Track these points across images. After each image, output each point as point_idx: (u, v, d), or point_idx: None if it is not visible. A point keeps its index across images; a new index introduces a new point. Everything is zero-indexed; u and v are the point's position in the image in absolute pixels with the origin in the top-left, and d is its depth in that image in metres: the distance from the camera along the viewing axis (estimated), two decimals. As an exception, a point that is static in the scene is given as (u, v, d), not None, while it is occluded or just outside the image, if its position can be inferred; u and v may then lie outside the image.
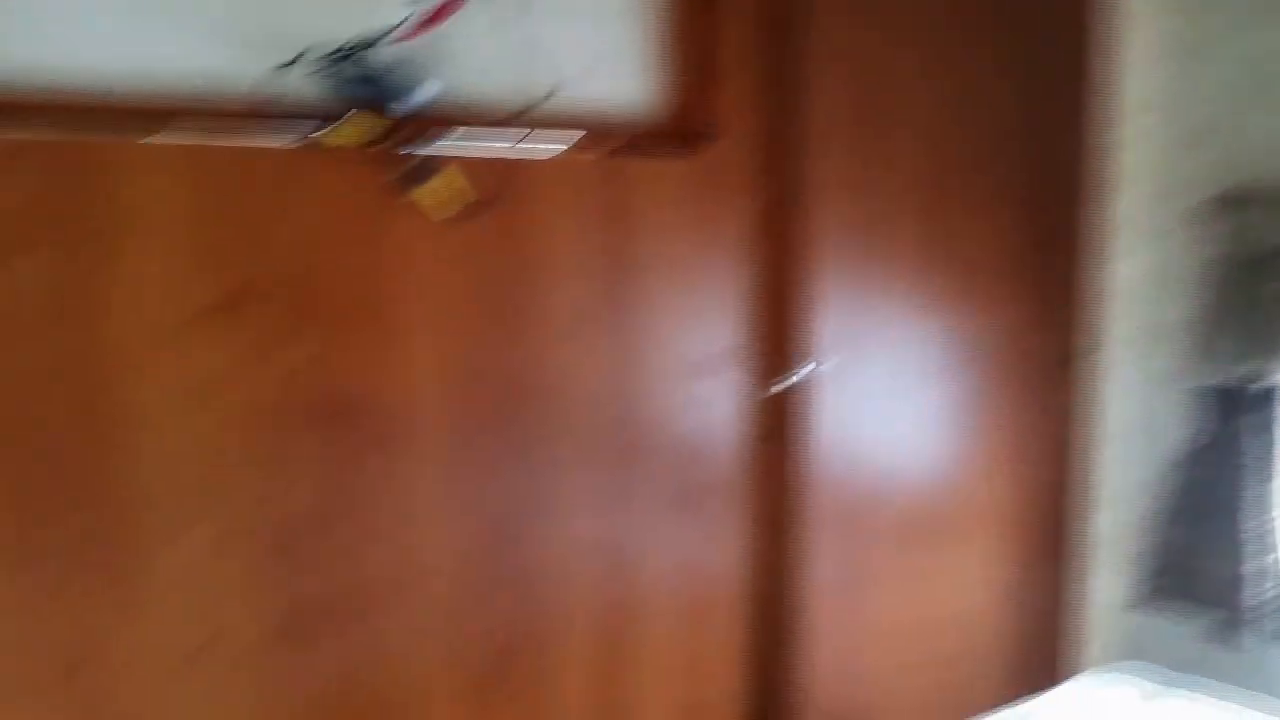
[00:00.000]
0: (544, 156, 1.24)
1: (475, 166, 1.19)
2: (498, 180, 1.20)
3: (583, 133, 1.28)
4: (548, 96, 1.22)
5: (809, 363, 1.44)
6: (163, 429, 1.08)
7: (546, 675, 1.32)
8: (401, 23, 1.12)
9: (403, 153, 1.13)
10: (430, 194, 1.16)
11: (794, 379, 1.43)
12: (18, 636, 1.04)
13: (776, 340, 1.45)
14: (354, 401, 1.17)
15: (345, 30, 1.12)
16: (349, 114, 1.11)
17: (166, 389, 1.08)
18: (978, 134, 1.56)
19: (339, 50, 1.09)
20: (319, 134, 1.09)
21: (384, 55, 1.12)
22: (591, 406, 1.31)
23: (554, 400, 1.29)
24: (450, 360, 1.21)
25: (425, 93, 1.16)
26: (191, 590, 1.11)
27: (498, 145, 1.21)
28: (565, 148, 1.27)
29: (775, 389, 1.43)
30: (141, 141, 1.03)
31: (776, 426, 1.46)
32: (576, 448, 1.31)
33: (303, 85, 1.11)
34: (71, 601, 1.06)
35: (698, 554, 1.43)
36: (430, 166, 1.15)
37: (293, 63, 1.08)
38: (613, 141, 1.31)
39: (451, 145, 1.18)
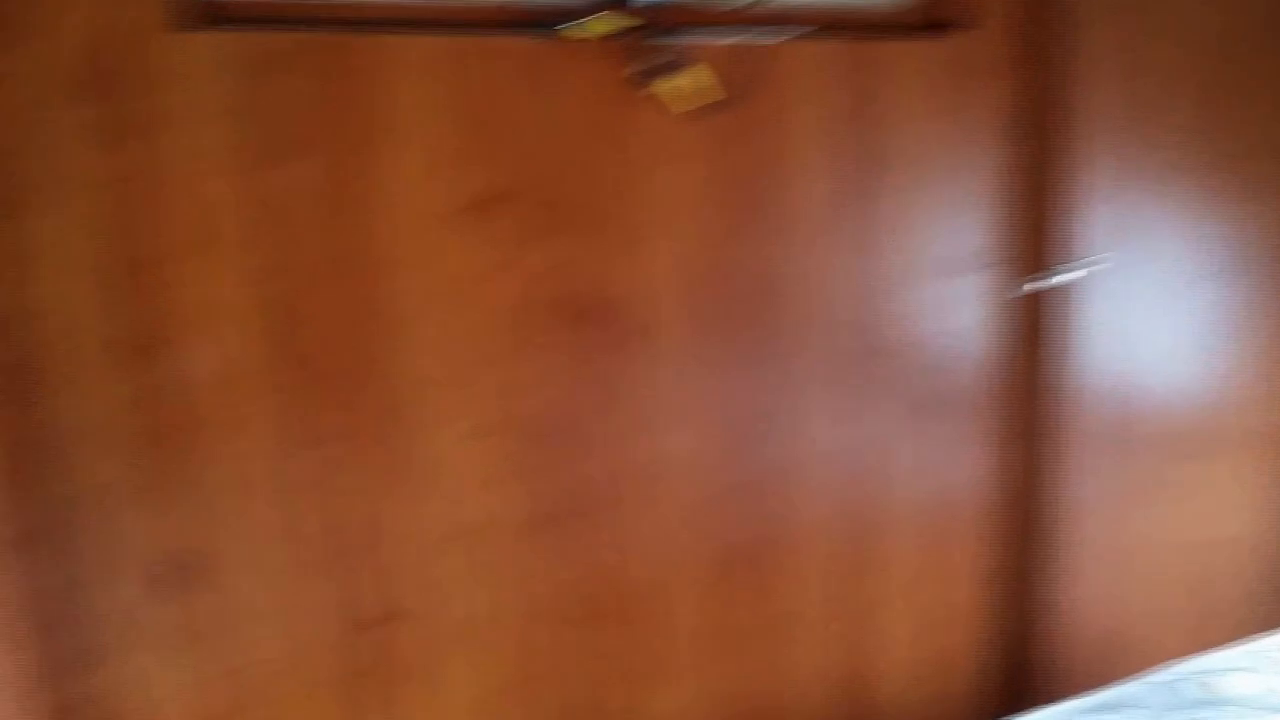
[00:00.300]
0: (788, 46, 1.21)
1: (718, 59, 1.17)
2: (741, 73, 1.18)
3: (829, 22, 1.23)
4: (789, -21, 1.19)
5: (1068, 263, 1.34)
6: (425, 323, 1.14)
7: (785, 579, 1.33)
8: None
9: (648, 47, 1.15)
10: (675, 88, 1.15)
11: (1051, 280, 1.33)
12: (298, 518, 1.13)
13: (1033, 238, 1.34)
14: (598, 300, 1.19)
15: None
16: (596, 9, 1.13)
17: (427, 285, 1.13)
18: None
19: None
20: (567, 28, 1.11)
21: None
22: (834, 307, 1.28)
23: (796, 301, 1.26)
24: (691, 259, 1.21)
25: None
26: (452, 477, 1.18)
27: (741, 37, 1.19)
28: (811, 36, 1.22)
29: (1031, 290, 1.35)
30: (393, 40, 1.06)
31: (1031, 331, 1.37)
32: (817, 350, 1.29)
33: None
34: (345, 486, 1.14)
35: (943, 464, 1.38)
36: (675, 61, 1.14)
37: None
38: (860, 30, 1.25)
39: (695, 39, 1.16)
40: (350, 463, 1.14)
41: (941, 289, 1.32)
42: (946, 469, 1.37)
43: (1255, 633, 1.33)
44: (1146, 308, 1.41)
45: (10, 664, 1.04)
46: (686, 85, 1.15)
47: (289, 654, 1.15)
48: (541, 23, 1.11)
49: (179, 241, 1.04)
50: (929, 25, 1.26)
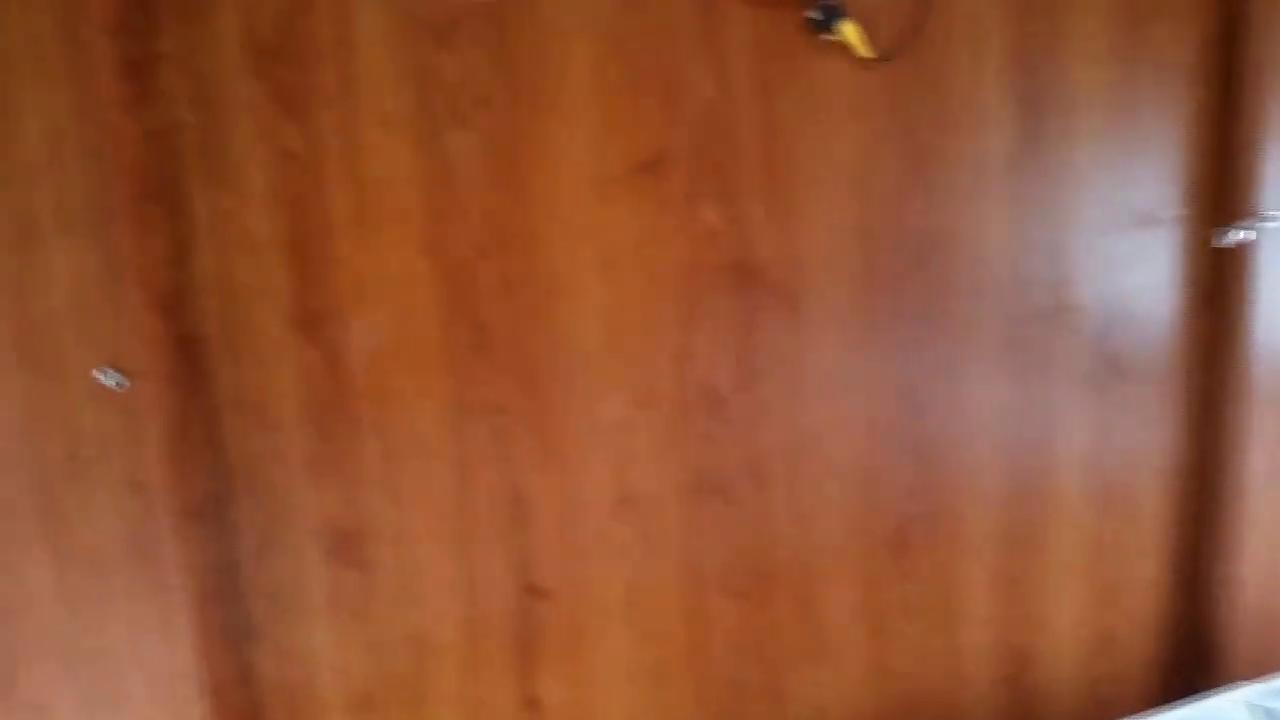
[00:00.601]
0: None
1: (885, 6, 1.11)
2: (908, 21, 1.13)
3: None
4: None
5: (1255, 217, 1.25)
6: (591, 290, 1.13)
7: (949, 554, 1.28)
8: None
9: (812, -5, 1.11)
10: (847, 33, 1.11)
11: (1241, 235, 1.24)
12: (466, 488, 1.14)
13: (1221, 191, 1.25)
14: (763, 264, 1.16)
15: None
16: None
17: (594, 251, 1.12)
18: None
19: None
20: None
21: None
22: (1005, 266, 1.22)
23: (966, 259, 1.20)
24: (860, 218, 1.17)
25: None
26: (616, 447, 1.16)
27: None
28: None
29: (1216, 246, 1.26)
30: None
31: (1217, 291, 1.28)
32: (988, 312, 1.23)
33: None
34: (511, 456, 1.14)
35: (1119, 432, 1.30)
36: (837, 6, 1.11)
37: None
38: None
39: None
40: (517, 432, 1.14)
41: (1119, 245, 1.24)
42: (1120, 439, 1.29)
43: None
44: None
45: (180, 632, 1.10)
46: (851, 30, 1.10)
47: (455, 624, 1.16)
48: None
49: (352, 212, 1.05)
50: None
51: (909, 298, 1.21)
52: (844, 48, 1.12)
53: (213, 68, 1.00)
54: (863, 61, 1.13)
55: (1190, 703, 1.19)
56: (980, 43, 1.16)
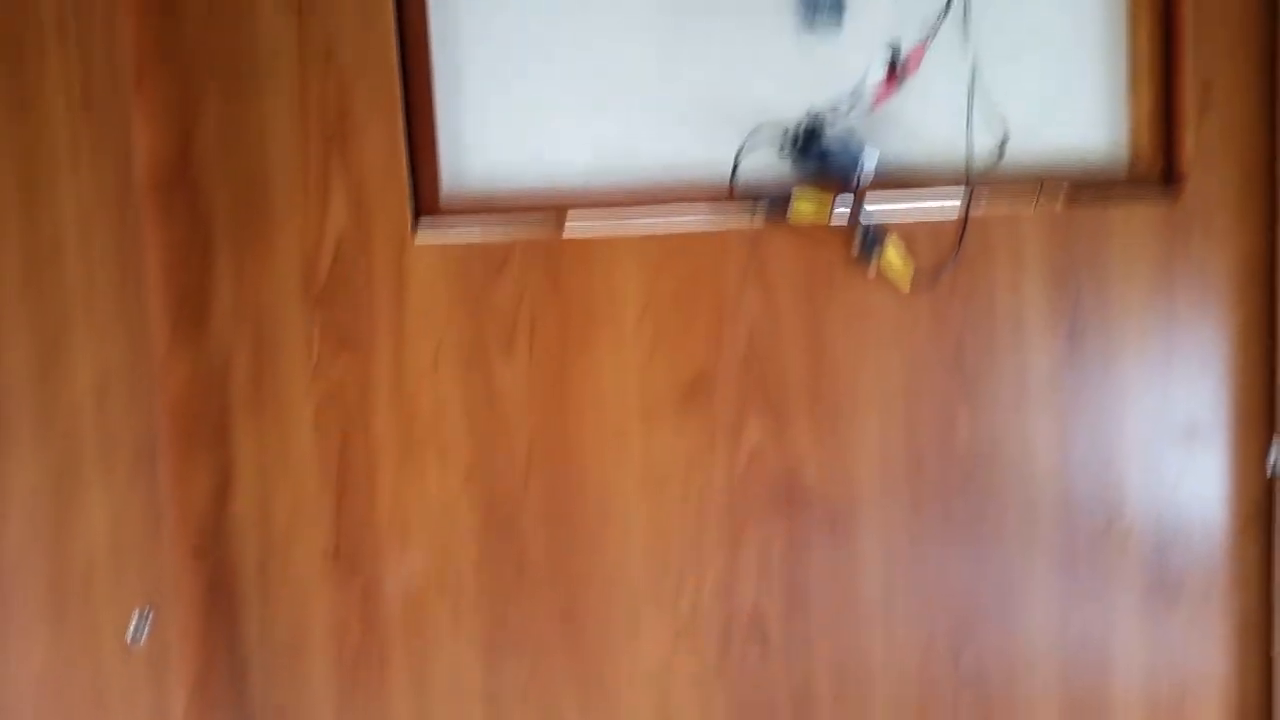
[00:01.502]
0: (999, 213, 1.17)
1: (925, 231, 1.14)
2: (949, 243, 1.15)
3: (1038, 184, 1.19)
4: (1000, 150, 1.16)
5: (1303, 431, 1.24)
6: (630, 516, 1.11)
7: None
8: (857, 97, 1.12)
9: (855, 223, 1.13)
10: (884, 264, 1.13)
11: (1288, 450, 1.23)
12: None
13: (1266, 408, 1.25)
14: (810, 484, 1.14)
15: (800, 108, 1.12)
16: (801, 189, 1.12)
17: (636, 477, 1.10)
18: None
19: (796, 128, 1.11)
20: (773, 211, 1.10)
21: (836, 129, 1.12)
22: (1052, 484, 1.19)
23: (1015, 477, 1.18)
24: (907, 436, 1.16)
25: (873, 161, 1.15)
26: (656, 683, 1.12)
27: (950, 205, 1.17)
28: (1020, 202, 1.20)
29: (1267, 462, 1.24)
30: (611, 230, 1.08)
31: (1266, 509, 1.27)
32: (1038, 531, 1.20)
33: (758, 164, 1.12)
34: (540, 690, 1.10)
35: (1174, 656, 1.25)
36: (881, 236, 1.13)
37: (748, 143, 1.11)
38: (1071, 190, 1.21)
39: (901, 210, 1.15)
40: (556, 669, 1.10)
41: (1168, 462, 1.22)
42: (1177, 663, 1.24)
43: None
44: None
45: None
46: (894, 258, 1.12)
47: None
48: (751, 200, 1.11)
49: (397, 442, 1.04)
50: (1145, 179, 1.20)
51: (958, 518, 1.19)
52: (888, 273, 1.14)
53: (268, 305, 1.01)
54: (906, 285, 1.14)
55: None
56: (1021, 263, 1.18)
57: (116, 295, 0.96)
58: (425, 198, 1.04)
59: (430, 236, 1.03)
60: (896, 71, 1.09)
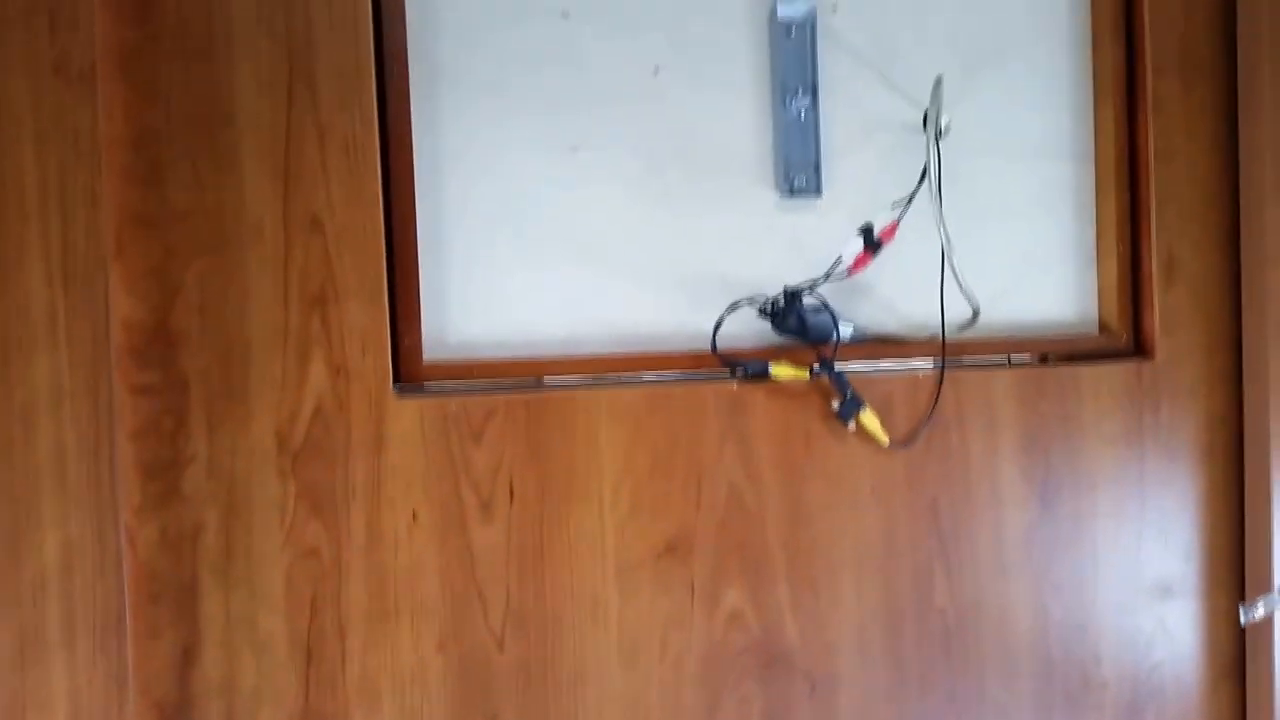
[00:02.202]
0: (972, 376, 1.19)
1: (901, 391, 1.16)
2: (925, 403, 1.16)
3: (1010, 348, 1.22)
4: (973, 316, 1.19)
5: (1272, 591, 1.25)
6: (606, 681, 1.09)
7: None
8: (835, 266, 1.15)
9: (832, 385, 1.15)
10: (862, 424, 1.14)
11: (1261, 610, 1.24)
12: None
13: (1239, 565, 1.27)
14: (788, 647, 1.13)
15: (780, 273, 1.15)
16: (780, 354, 1.13)
17: (605, 642, 1.09)
18: None
19: (775, 297, 1.12)
20: (752, 375, 1.11)
21: (814, 296, 1.14)
22: (1030, 644, 1.19)
23: (990, 639, 1.18)
24: (885, 598, 1.15)
25: (849, 330, 1.16)
26: None
27: (923, 369, 1.19)
28: (993, 365, 1.21)
29: (1240, 621, 1.25)
30: (590, 394, 1.08)
31: (1238, 665, 1.27)
32: (1014, 691, 1.19)
33: (737, 329, 1.14)
34: None
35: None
36: (858, 398, 1.15)
37: (730, 311, 1.12)
38: (1042, 354, 1.23)
39: (876, 373, 1.16)
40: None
41: (1142, 621, 1.22)
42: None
43: None
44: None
45: None
46: (867, 420, 1.13)
47: None
48: (735, 368, 1.11)
49: (369, 608, 1.02)
50: (1116, 342, 1.23)
51: (938, 679, 1.17)
52: (865, 434, 1.15)
53: (241, 470, 0.99)
54: (883, 447, 1.15)
55: None
56: (994, 425, 1.19)
57: (89, 463, 0.95)
58: (406, 363, 1.04)
59: (410, 401, 1.03)
60: (872, 243, 1.12)
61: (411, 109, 1.06)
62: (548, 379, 1.09)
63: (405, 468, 1.02)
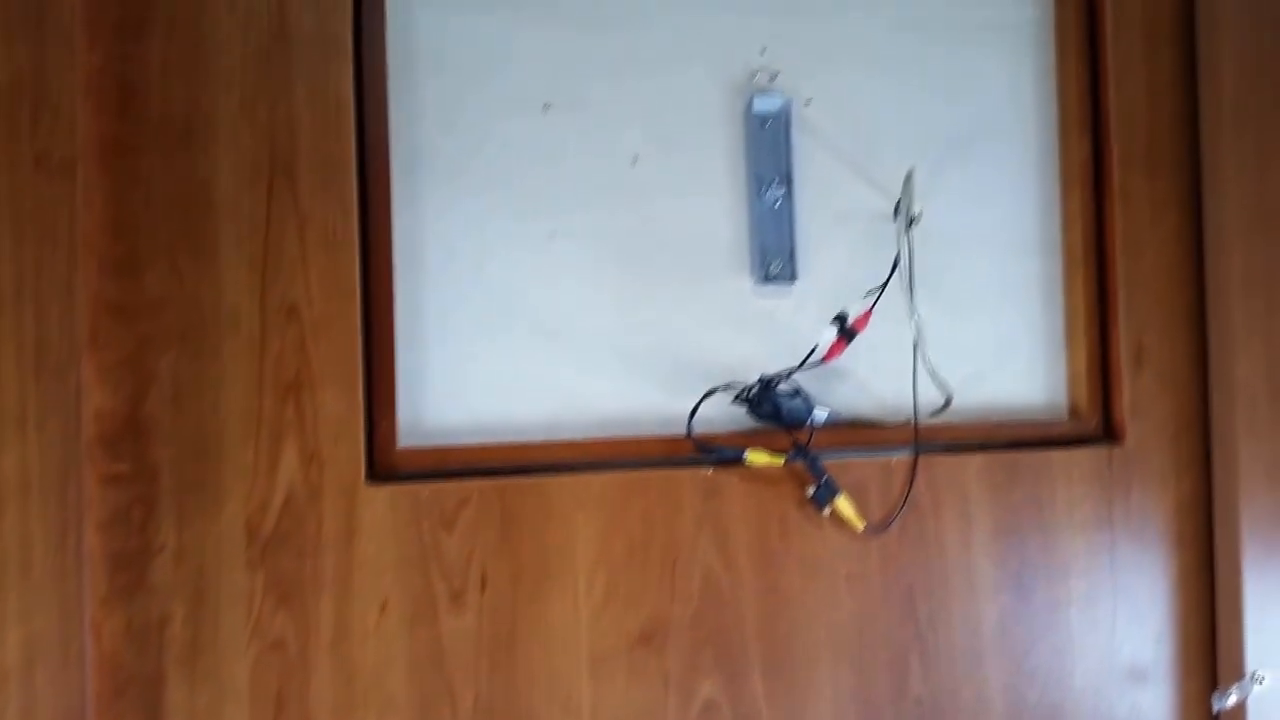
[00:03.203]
0: (945, 461, 1.20)
1: (875, 476, 1.16)
2: (900, 488, 1.17)
3: (982, 433, 1.23)
4: (945, 402, 1.20)
5: (1244, 678, 1.25)
6: None
7: None
8: (809, 356, 1.16)
9: (807, 471, 1.15)
10: (837, 511, 1.14)
11: (1233, 697, 1.24)
12: None
13: (1209, 651, 1.27)
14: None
15: (756, 359, 1.16)
16: (755, 441, 1.14)
17: None
18: None
19: (751, 385, 1.14)
20: (727, 461, 1.11)
21: (789, 384, 1.16)
22: (1006, 736, 1.21)
23: (968, 733, 1.20)
24: (861, 686, 1.14)
25: (824, 415, 1.17)
26: None
27: (899, 453, 1.21)
28: (966, 451, 1.22)
29: (1213, 706, 1.25)
30: (565, 480, 1.08)
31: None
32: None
33: (713, 415, 1.14)
34: None
35: None
36: (833, 485, 1.16)
37: (706, 397, 1.12)
38: (1014, 440, 1.25)
39: (850, 460, 1.17)
40: None
41: (1116, 707, 1.22)
42: None
43: None
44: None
45: None
46: (842, 507, 1.13)
47: None
48: (710, 454, 1.12)
49: (335, 703, 1.00)
50: (1087, 432, 1.25)
51: (913, 771, 1.17)
52: (840, 520, 1.15)
53: (210, 561, 0.98)
54: (858, 533, 1.16)
55: None
56: (967, 511, 1.20)
57: (55, 555, 0.93)
58: (380, 450, 1.04)
59: (382, 489, 1.02)
60: (846, 331, 1.14)
61: (392, 197, 1.07)
62: (523, 465, 1.09)
63: (376, 557, 1.02)
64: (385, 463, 1.04)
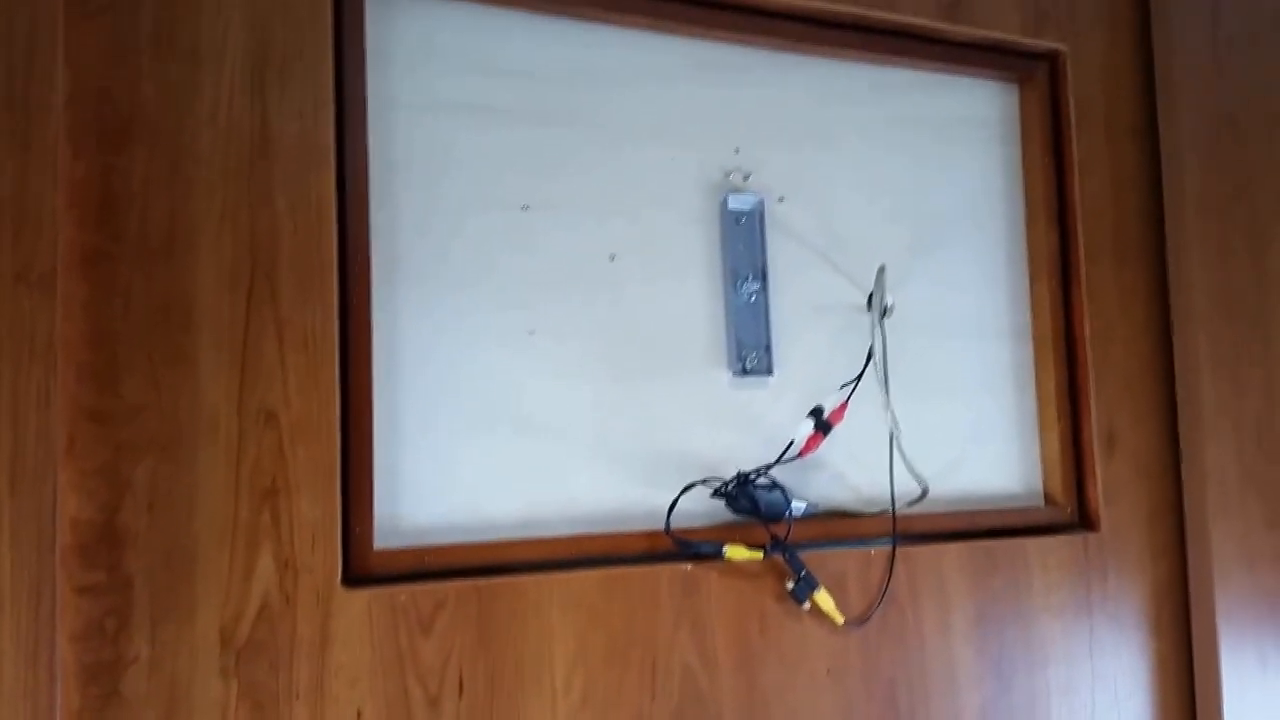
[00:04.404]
0: (923, 551, 1.20)
1: (854, 568, 1.17)
2: (879, 579, 1.18)
3: (959, 522, 1.24)
4: (922, 492, 1.21)
5: (1229, 762, 1.26)
6: None
7: None
8: (787, 451, 1.17)
9: (786, 565, 1.15)
10: (816, 603, 1.14)
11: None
12: None
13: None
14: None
15: (734, 452, 1.17)
16: (733, 532, 1.14)
17: None
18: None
19: (729, 480, 1.15)
20: (706, 556, 1.11)
21: (767, 477, 1.16)
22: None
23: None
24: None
25: (802, 508, 1.18)
26: None
27: (875, 545, 1.20)
28: (943, 540, 1.23)
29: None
30: (543, 579, 1.07)
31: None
32: None
33: (691, 509, 1.15)
34: None
35: None
36: (812, 578, 1.16)
37: (684, 492, 1.12)
38: (991, 528, 1.26)
39: (829, 552, 1.17)
40: None
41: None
42: None
43: None
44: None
45: None
46: (828, 600, 1.13)
47: None
48: (689, 550, 1.12)
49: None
50: (1062, 519, 1.26)
51: None
52: (820, 614, 1.15)
53: (184, 668, 0.96)
54: (838, 626, 1.16)
55: None
56: (947, 601, 1.21)
57: (27, 668, 0.92)
58: (356, 552, 1.03)
59: (359, 593, 1.01)
60: (823, 424, 1.15)
61: (372, 298, 1.09)
62: (501, 563, 1.09)
63: (351, 663, 1.01)
64: (361, 565, 1.03)
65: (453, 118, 1.14)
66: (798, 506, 1.16)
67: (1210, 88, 1.35)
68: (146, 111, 0.99)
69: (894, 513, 1.18)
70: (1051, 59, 1.35)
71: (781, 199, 1.23)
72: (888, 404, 1.17)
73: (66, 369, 0.95)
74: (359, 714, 1.01)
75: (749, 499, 1.14)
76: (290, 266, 1.02)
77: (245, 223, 1.01)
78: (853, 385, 1.17)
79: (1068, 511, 1.27)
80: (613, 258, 1.17)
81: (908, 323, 1.25)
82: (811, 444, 1.15)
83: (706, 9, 1.21)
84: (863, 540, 1.20)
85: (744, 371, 1.18)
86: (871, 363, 1.17)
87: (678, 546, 1.12)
